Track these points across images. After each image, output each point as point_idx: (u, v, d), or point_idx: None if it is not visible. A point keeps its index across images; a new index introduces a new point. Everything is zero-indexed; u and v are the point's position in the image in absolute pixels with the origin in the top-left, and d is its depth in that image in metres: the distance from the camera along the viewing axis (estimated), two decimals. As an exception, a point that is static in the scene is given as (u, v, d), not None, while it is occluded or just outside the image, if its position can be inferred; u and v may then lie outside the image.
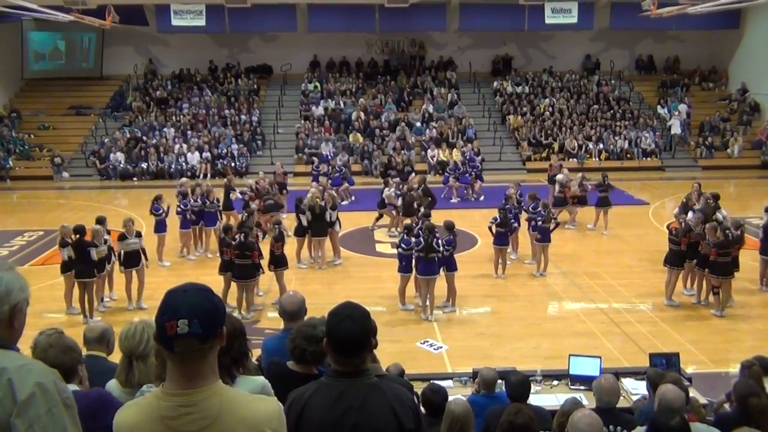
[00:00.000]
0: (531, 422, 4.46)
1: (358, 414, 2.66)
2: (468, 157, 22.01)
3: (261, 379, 3.26)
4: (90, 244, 11.11)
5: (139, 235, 11.95)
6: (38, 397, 2.11)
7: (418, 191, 16.24)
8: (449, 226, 11.48)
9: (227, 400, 2.15)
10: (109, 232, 12.02)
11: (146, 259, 11.97)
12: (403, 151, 24.39)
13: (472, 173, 20.78)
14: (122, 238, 11.59)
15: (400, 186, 16.54)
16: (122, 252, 11.59)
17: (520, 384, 5.37)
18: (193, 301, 2.12)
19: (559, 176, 17.35)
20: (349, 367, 2.71)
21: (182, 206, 14.35)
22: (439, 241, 11.09)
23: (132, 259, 11.62)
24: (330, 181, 17.99)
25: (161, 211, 13.99)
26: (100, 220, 11.86)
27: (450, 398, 5.04)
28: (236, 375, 3.23)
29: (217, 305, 2.17)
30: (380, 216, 16.67)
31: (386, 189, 16.49)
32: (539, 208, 13.42)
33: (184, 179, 18.55)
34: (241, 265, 11.17)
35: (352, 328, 2.69)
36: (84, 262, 11.07)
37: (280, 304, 4.70)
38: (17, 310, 2.28)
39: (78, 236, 11.19)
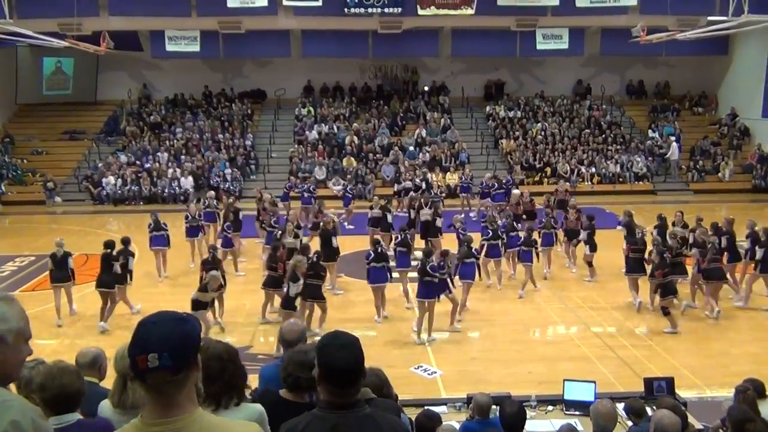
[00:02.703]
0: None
1: (352, 446, 2.60)
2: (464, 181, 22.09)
3: (257, 407, 3.21)
4: (115, 259, 11.75)
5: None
6: None
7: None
8: (444, 252, 11.72)
9: (207, 427, 2.11)
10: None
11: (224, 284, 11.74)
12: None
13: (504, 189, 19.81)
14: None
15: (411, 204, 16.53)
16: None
17: (515, 414, 5.26)
18: (162, 333, 2.05)
19: (515, 191, 18.05)
20: (345, 398, 2.62)
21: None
22: (434, 266, 11.11)
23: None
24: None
25: (167, 226, 14.59)
26: (125, 241, 12.40)
27: (440, 427, 4.98)
28: (229, 403, 3.15)
29: (188, 334, 2.10)
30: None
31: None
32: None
33: (211, 192, 18.66)
34: (311, 285, 11.14)
35: (350, 358, 2.61)
36: (108, 273, 11.68)
37: (280, 332, 4.60)
38: None
39: (108, 250, 11.80)
